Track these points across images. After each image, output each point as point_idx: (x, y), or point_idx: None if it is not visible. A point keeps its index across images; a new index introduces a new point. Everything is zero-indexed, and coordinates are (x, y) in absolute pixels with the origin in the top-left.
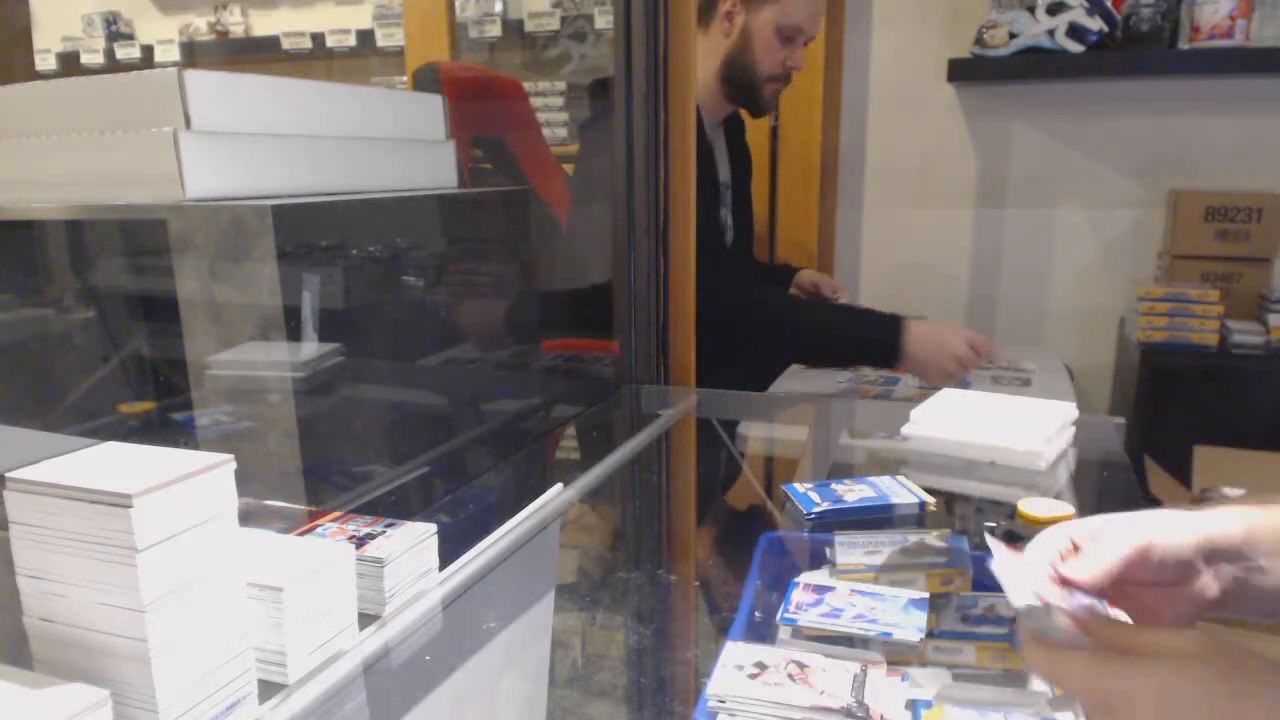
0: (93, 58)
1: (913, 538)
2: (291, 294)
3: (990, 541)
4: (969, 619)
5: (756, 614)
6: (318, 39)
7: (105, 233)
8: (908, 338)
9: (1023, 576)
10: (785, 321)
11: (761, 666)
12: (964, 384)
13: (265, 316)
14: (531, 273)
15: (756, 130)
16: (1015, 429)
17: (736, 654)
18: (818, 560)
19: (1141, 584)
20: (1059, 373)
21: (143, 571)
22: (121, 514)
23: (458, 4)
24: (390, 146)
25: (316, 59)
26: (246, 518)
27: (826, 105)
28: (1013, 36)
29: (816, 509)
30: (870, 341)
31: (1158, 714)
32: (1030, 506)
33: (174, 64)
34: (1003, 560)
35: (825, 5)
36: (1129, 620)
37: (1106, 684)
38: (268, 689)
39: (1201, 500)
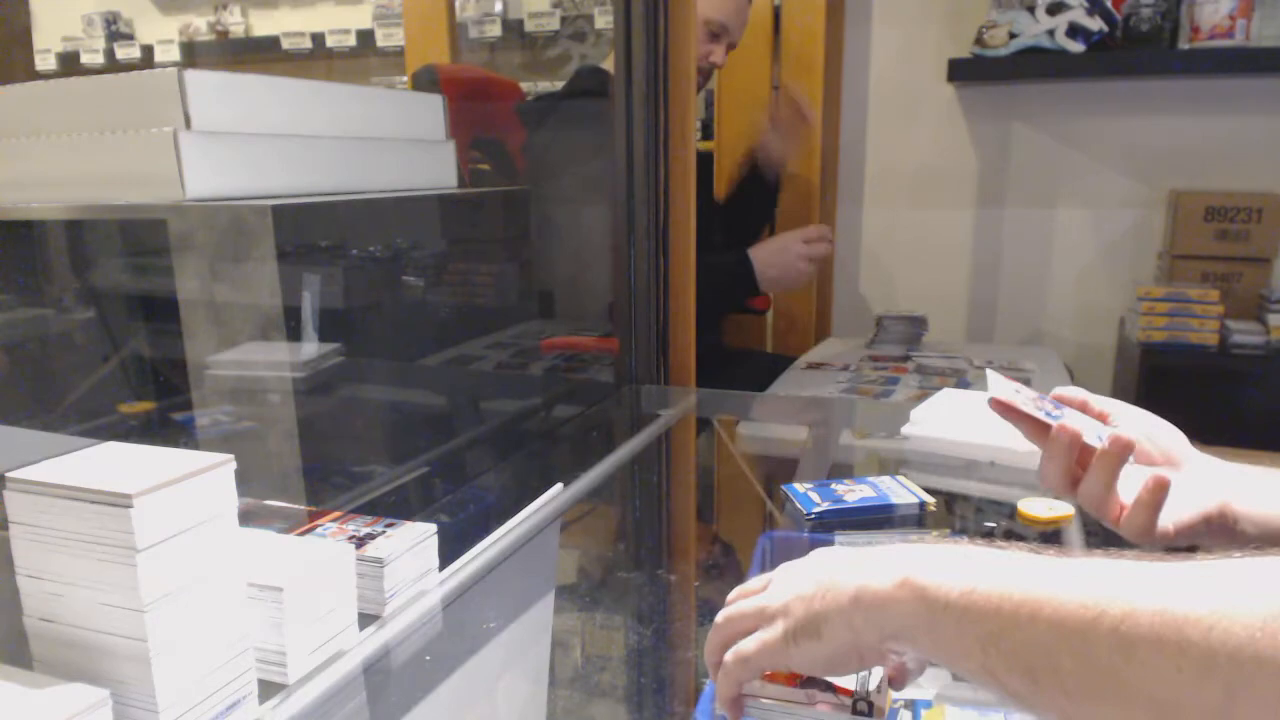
0: (93, 58)
1: (913, 538)
2: (291, 294)
3: (989, 373)
4: None
5: None
6: (318, 39)
7: (105, 233)
8: (757, 268)
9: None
10: None
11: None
12: (963, 384)
13: (265, 316)
14: (531, 273)
15: (757, 129)
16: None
17: None
18: None
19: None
20: (1059, 373)
21: (143, 571)
22: (121, 514)
23: (458, 4)
24: (390, 146)
25: (316, 59)
26: (246, 518)
27: (826, 105)
28: (1013, 36)
29: (816, 509)
30: (734, 289)
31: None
32: (1030, 506)
33: (174, 64)
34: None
35: (749, 11)
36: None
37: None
38: (268, 689)
39: None
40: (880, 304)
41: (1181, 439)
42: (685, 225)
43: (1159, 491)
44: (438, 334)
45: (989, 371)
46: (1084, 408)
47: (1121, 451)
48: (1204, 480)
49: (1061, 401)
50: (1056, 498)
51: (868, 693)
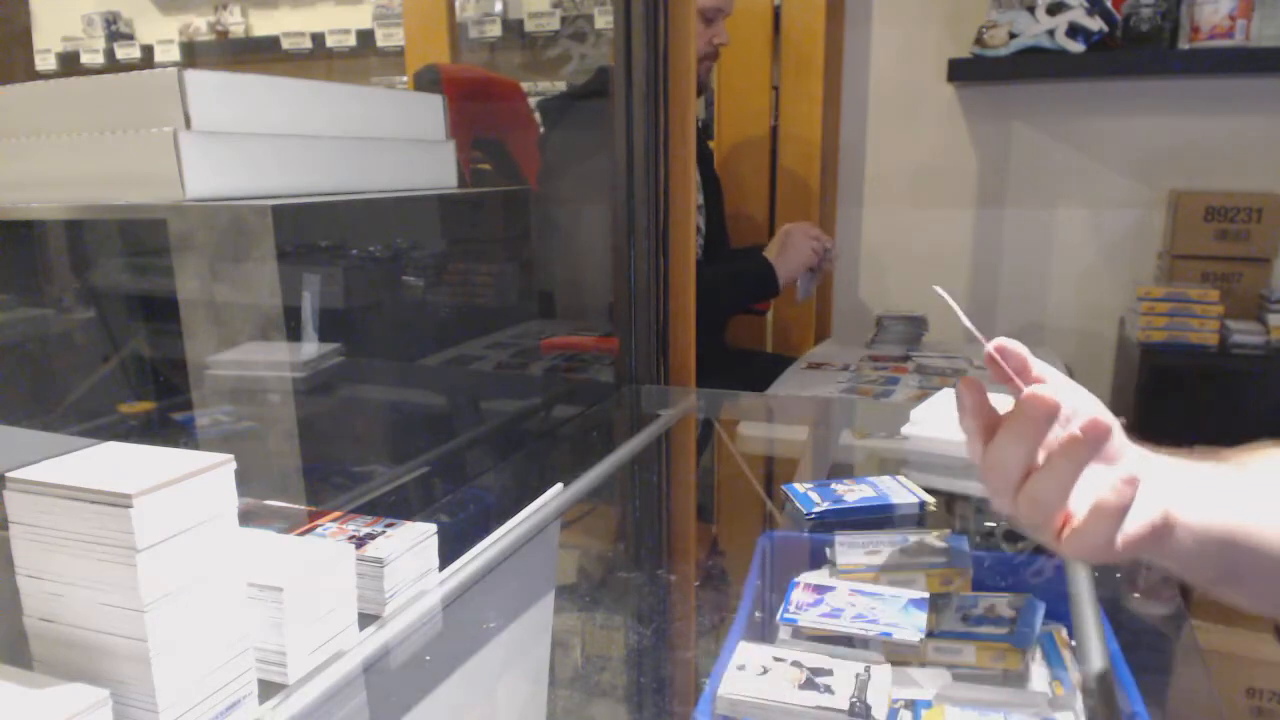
0: (93, 58)
1: (913, 538)
2: (291, 294)
3: (941, 292)
4: (969, 619)
5: (756, 614)
6: (318, 39)
7: (105, 233)
8: (776, 264)
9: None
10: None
11: (775, 662)
12: None
13: (265, 316)
14: (531, 273)
15: (756, 129)
16: None
17: (746, 654)
18: (818, 560)
19: None
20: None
21: (143, 571)
22: (121, 514)
23: (458, 4)
24: (390, 146)
25: (316, 59)
26: (246, 518)
27: (826, 105)
28: (1013, 36)
29: (816, 509)
30: (761, 290)
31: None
32: None
33: (174, 64)
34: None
35: None
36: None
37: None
38: (268, 689)
39: None
40: (880, 304)
41: (1115, 425)
42: (685, 225)
43: (1128, 493)
44: (438, 334)
45: (938, 289)
46: (1023, 366)
47: (1098, 440)
48: (1145, 482)
49: (1003, 353)
50: None
51: (865, 695)
